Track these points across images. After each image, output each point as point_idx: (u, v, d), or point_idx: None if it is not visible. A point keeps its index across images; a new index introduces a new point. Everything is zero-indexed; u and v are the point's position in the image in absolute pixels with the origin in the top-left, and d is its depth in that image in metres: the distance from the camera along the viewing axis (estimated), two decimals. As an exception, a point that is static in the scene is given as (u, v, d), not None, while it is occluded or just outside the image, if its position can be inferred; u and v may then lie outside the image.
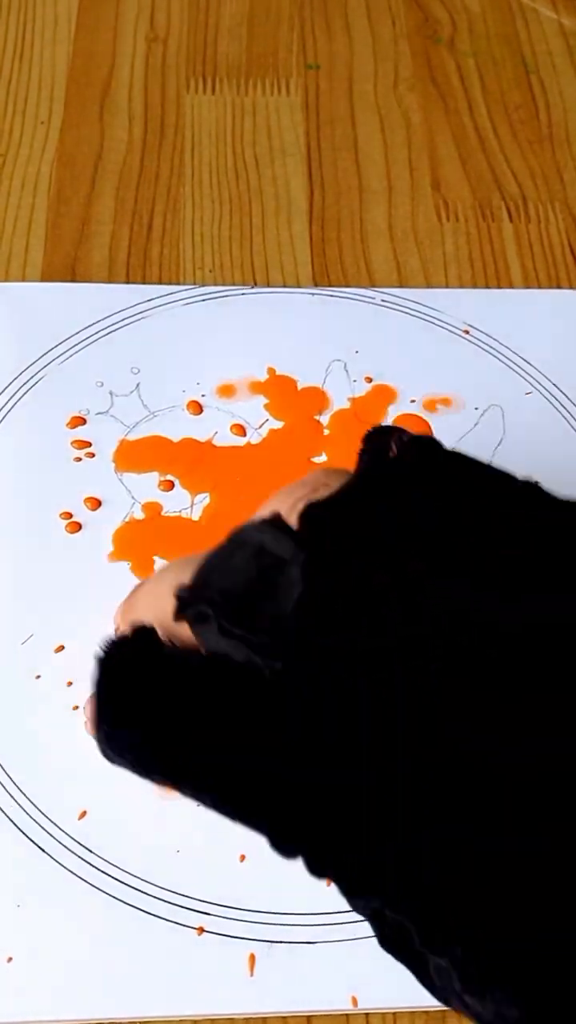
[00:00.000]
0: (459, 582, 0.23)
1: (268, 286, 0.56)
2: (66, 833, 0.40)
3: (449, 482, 0.27)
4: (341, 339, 0.54)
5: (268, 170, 0.61)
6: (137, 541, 0.47)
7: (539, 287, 0.57)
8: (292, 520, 0.27)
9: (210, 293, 0.55)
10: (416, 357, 0.53)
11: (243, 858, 0.40)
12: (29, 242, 0.57)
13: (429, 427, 0.51)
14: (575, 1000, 0.20)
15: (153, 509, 0.48)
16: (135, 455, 0.49)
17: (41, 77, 0.64)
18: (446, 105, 0.65)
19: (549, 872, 0.21)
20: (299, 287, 0.56)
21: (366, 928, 0.38)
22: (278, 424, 0.50)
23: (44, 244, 0.57)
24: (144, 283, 0.55)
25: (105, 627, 0.44)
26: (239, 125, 0.63)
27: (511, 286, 0.57)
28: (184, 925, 0.38)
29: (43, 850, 0.39)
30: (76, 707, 0.42)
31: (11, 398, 0.50)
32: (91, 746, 0.41)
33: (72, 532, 0.47)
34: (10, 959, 0.37)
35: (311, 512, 0.26)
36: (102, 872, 0.39)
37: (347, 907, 0.38)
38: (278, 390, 0.51)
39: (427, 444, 0.29)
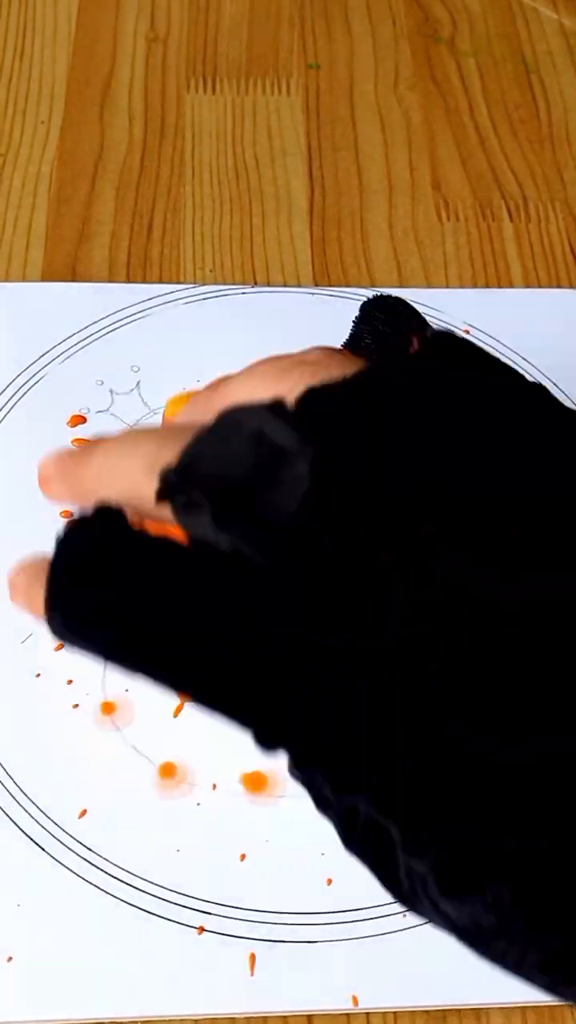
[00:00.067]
0: (462, 556, 0.22)
1: (268, 286, 0.56)
2: (66, 832, 0.40)
3: (465, 406, 0.24)
4: (341, 338, 0.53)
5: (268, 170, 0.61)
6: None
7: (539, 287, 0.57)
8: (290, 401, 0.25)
9: (210, 292, 0.55)
10: (416, 356, 0.53)
11: (243, 857, 0.40)
12: (30, 242, 0.57)
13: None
14: (560, 904, 0.20)
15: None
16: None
17: (42, 77, 0.64)
18: (446, 105, 0.65)
19: (542, 779, 0.20)
20: (299, 287, 0.56)
21: (367, 928, 0.38)
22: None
23: (44, 244, 0.57)
24: (144, 283, 0.55)
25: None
26: (239, 125, 0.63)
27: (511, 286, 0.57)
28: (184, 924, 0.38)
29: (43, 849, 0.39)
30: (76, 705, 0.42)
31: (11, 397, 0.50)
32: (92, 745, 0.42)
33: (72, 531, 0.46)
34: (10, 958, 0.37)
35: (312, 399, 0.24)
36: (102, 871, 0.39)
37: (348, 907, 0.39)
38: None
39: (453, 344, 0.26)
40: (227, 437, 0.25)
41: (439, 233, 0.59)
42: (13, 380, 0.51)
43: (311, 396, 0.24)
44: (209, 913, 0.39)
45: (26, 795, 0.40)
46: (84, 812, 0.40)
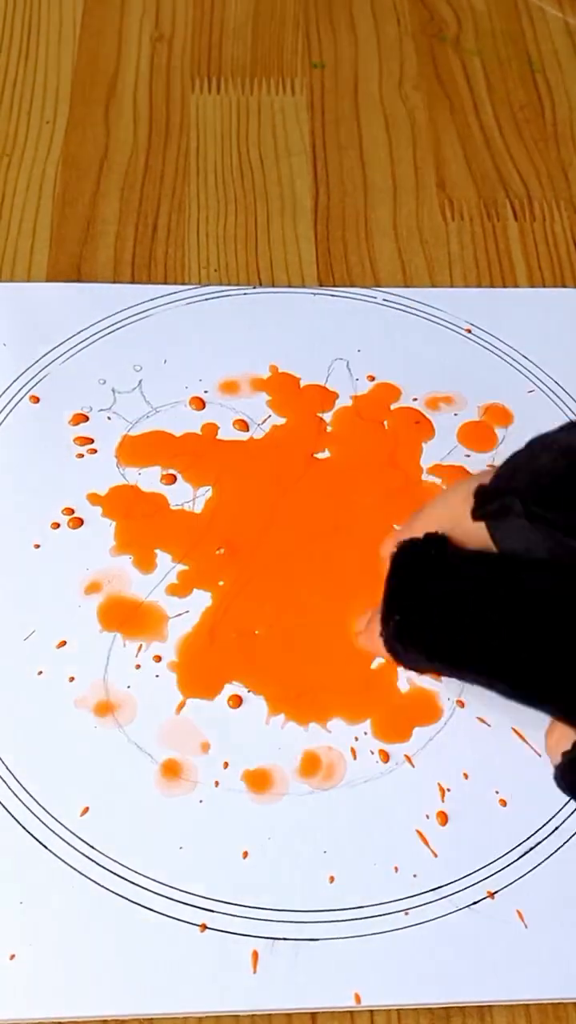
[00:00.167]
0: None
1: (273, 285, 0.56)
2: (68, 829, 0.40)
3: None
4: (343, 338, 0.54)
5: (273, 170, 0.61)
6: (139, 536, 0.47)
7: (544, 286, 0.57)
8: None
9: (213, 292, 0.55)
10: (418, 356, 0.53)
11: (246, 855, 0.40)
12: (35, 242, 0.57)
13: (429, 422, 0.51)
14: None
15: (155, 503, 0.48)
16: (138, 450, 0.49)
17: (46, 78, 0.64)
18: (451, 104, 0.65)
19: None
20: (304, 286, 0.56)
21: (369, 925, 0.38)
22: (281, 420, 0.50)
23: (49, 244, 0.57)
24: (149, 283, 0.56)
25: (107, 624, 0.44)
26: (244, 125, 0.63)
27: (516, 285, 0.57)
28: (187, 922, 0.38)
29: (45, 847, 0.39)
30: (78, 703, 0.42)
31: (15, 396, 0.50)
32: (94, 743, 0.42)
33: (74, 528, 0.47)
34: (13, 956, 0.37)
35: None
36: (104, 869, 0.39)
37: (350, 904, 0.39)
38: (280, 387, 0.51)
39: None
40: (538, 455, 0.28)
41: (443, 232, 0.59)
42: (16, 379, 0.51)
43: None
44: (212, 911, 0.39)
45: (28, 792, 0.40)
46: (86, 810, 0.40)
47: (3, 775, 0.41)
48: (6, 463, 0.48)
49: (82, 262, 0.56)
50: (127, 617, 0.45)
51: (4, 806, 0.40)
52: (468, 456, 0.50)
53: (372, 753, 0.42)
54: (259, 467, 0.49)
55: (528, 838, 0.40)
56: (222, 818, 0.40)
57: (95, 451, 0.49)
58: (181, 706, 0.43)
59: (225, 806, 0.41)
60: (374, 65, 0.67)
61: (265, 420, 0.50)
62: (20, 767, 0.41)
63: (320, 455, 0.49)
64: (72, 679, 0.43)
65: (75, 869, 0.39)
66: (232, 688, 0.43)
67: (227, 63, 0.66)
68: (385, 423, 0.51)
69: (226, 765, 0.41)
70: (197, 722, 0.42)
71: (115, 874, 0.39)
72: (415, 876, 0.40)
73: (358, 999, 0.37)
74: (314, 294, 0.56)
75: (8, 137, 0.61)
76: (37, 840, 0.40)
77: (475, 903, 0.39)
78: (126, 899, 0.39)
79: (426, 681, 0.43)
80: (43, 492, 0.48)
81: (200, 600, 0.45)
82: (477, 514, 0.28)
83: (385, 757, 0.42)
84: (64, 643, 0.44)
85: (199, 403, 0.51)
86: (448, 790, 0.41)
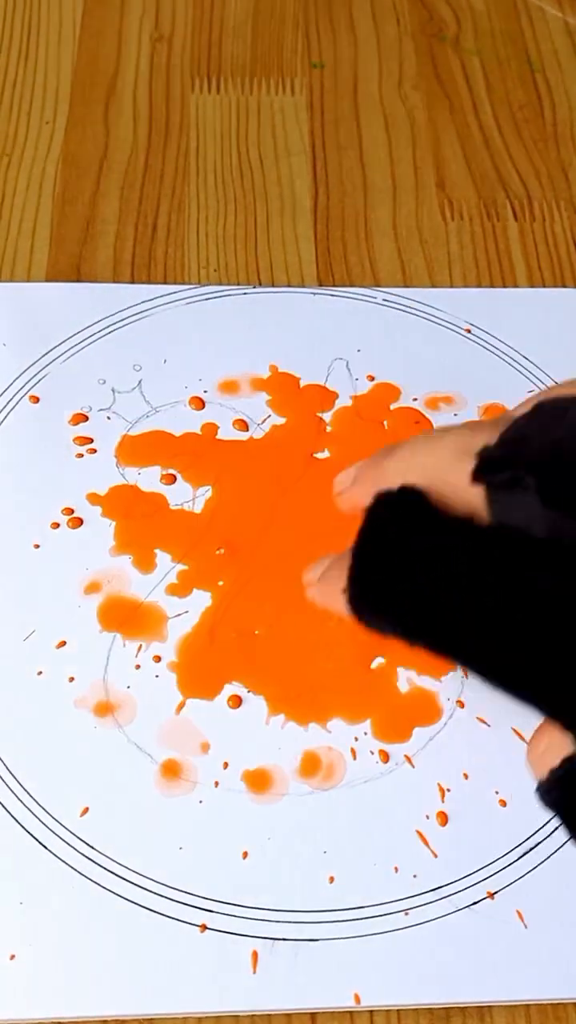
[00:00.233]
0: None
1: (272, 285, 0.56)
2: (68, 830, 0.40)
3: None
4: (343, 338, 0.54)
5: (273, 169, 0.61)
6: (139, 535, 0.47)
7: (544, 286, 0.57)
8: None
9: (213, 292, 0.55)
10: (418, 356, 0.53)
11: (246, 855, 0.40)
12: (34, 242, 0.57)
13: (429, 422, 0.51)
14: None
15: (155, 503, 0.48)
16: (137, 449, 0.49)
17: (46, 77, 0.64)
18: (451, 104, 0.65)
19: None
20: (303, 286, 0.56)
21: (369, 926, 0.38)
22: (281, 420, 0.50)
23: (49, 244, 0.57)
24: (149, 283, 0.55)
25: (107, 624, 0.44)
26: (244, 124, 0.63)
27: (516, 285, 0.57)
28: (187, 922, 0.38)
29: (45, 847, 0.39)
30: (78, 703, 0.42)
31: (15, 396, 0.50)
32: (93, 743, 0.42)
33: (74, 528, 0.47)
34: (13, 956, 0.37)
35: None
36: (104, 869, 0.39)
37: (350, 905, 0.39)
38: (280, 387, 0.51)
39: None
40: (551, 423, 0.25)
41: (443, 232, 0.59)
42: (16, 379, 0.51)
43: None
44: (211, 911, 0.39)
45: (28, 792, 0.40)
46: (86, 810, 0.40)
47: (3, 775, 0.41)
48: (6, 463, 0.48)
49: (82, 262, 0.56)
50: (127, 617, 0.45)
51: (4, 806, 0.40)
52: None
53: (372, 753, 0.42)
54: (259, 467, 0.49)
55: (528, 838, 0.40)
56: (222, 818, 0.40)
57: (95, 451, 0.49)
58: (181, 706, 0.43)
59: (225, 806, 0.41)
60: (374, 65, 0.67)
61: (265, 420, 0.50)
62: (20, 767, 0.41)
63: (320, 455, 0.50)
64: (72, 679, 0.43)
65: (75, 869, 0.39)
66: (232, 688, 0.43)
67: (227, 63, 0.66)
68: (385, 423, 0.51)
69: (226, 765, 0.41)
70: (197, 722, 0.42)
71: (115, 874, 0.39)
72: (415, 876, 0.40)
73: (358, 999, 0.37)
74: (314, 294, 0.56)
75: (8, 137, 0.61)
76: (37, 840, 0.40)
77: (475, 903, 0.39)
78: (126, 899, 0.39)
79: (426, 681, 0.43)
80: (43, 492, 0.48)
81: (200, 600, 0.45)
82: (479, 479, 0.25)
83: (385, 757, 0.42)
84: (64, 643, 0.44)
85: (199, 403, 0.51)
86: (448, 790, 0.41)
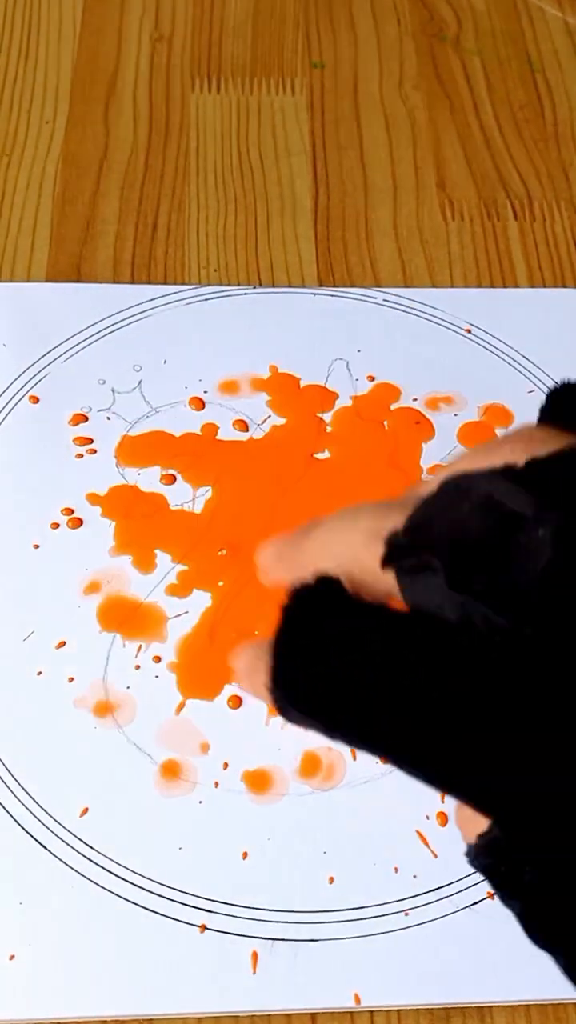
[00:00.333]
0: None
1: (272, 286, 0.56)
2: (68, 830, 0.40)
3: None
4: (343, 338, 0.54)
5: (273, 169, 0.61)
6: (138, 536, 0.47)
7: (544, 286, 0.57)
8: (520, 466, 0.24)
9: (213, 292, 0.55)
10: (418, 356, 0.53)
11: (245, 855, 0.40)
12: (34, 242, 0.57)
13: (430, 422, 0.51)
14: None
15: (155, 503, 0.48)
16: (137, 450, 0.49)
17: (46, 77, 0.64)
18: (451, 104, 0.65)
19: None
20: (304, 286, 0.56)
21: (369, 926, 0.38)
22: (281, 421, 0.50)
23: (49, 244, 0.57)
24: (149, 283, 0.55)
25: (106, 624, 0.44)
26: (244, 124, 0.63)
27: (516, 285, 0.57)
28: (187, 923, 0.38)
29: (45, 847, 0.39)
30: (78, 703, 0.42)
31: (15, 396, 0.50)
32: (93, 743, 0.42)
33: (74, 528, 0.47)
34: (12, 957, 0.37)
35: (541, 468, 0.24)
36: (104, 869, 0.39)
37: (350, 905, 0.39)
38: (280, 387, 0.51)
39: None
40: (455, 503, 0.25)
41: (444, 233, 0.59)
42: (16, 379, 0.51)
43: (541, 463, 0.24)
44: (211, 911, 0.39)
45: (28, 793, 0.40)
46: (86, 810, 0.40)
47: (3, 775, 0.41)
48: (6, 463, 0.48)
49: (82, 262, 0.56)
50: (127, 617, 0.45)
51: (4, 806, 0.40)
52: (468, 456, 0.50)
53: (372, 753, 0.42)
54: (259, 467, 0.49)
55: (528, 839, 0.40)
56: (222, 818, 0.40)
57: (95, 451, 0.49)
58: (181, 707, 0.43)
59: (225, 807, 0.41)
60: (374, 65, 0.67)
61: (265, 420, 0.50)
62: (20, 767, 0.41)
63: (320, 455, 0.49)
64: (71, 679, 0.43)
65: (75, 870, 0.39)
66: (232, 688, 0.43)
67: (227, 63, 0.66)
68: (385, 423, 0.51)
69: (226, 766, 0.41)
70: (197, 723, 0.42)
71: (115, 875, 0.39)
72: (415, 876, 0.40)
73: (358, 1000, 0.37)
74: (314, 294, 0.56)
75: (8, 136, 0.61)
76: (37, 840, 0.40)
77: (475, 903, 0.39)
78: (126, 899, 0.39)
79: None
80: (42, 492, 0.48)
81: (200, 600, 0.45)
82: (388, 565, 0.25)
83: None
84: (63, 643, 0.44)
85: (199, 403, 0.51)
86: (448, 791, 0.41)
